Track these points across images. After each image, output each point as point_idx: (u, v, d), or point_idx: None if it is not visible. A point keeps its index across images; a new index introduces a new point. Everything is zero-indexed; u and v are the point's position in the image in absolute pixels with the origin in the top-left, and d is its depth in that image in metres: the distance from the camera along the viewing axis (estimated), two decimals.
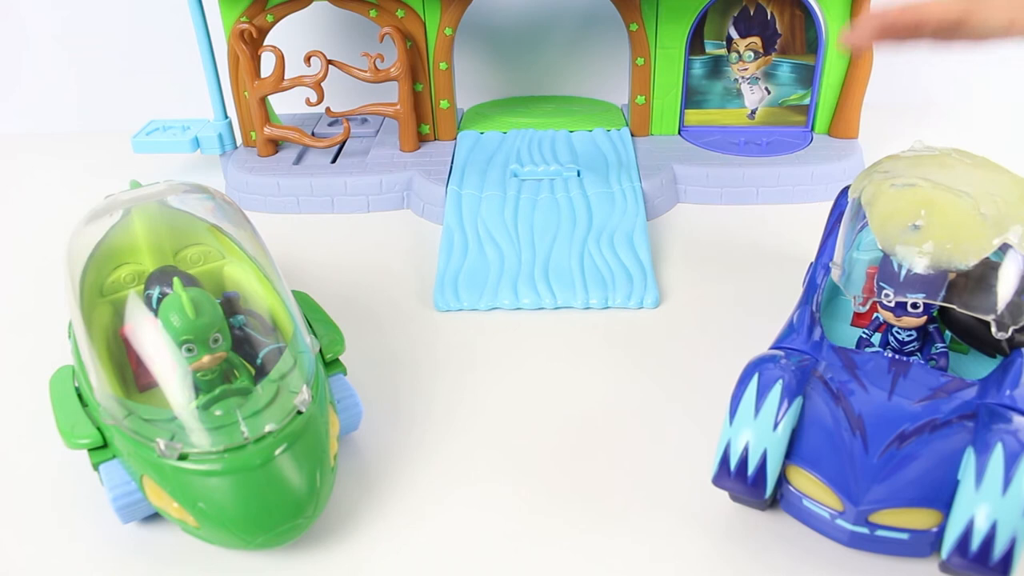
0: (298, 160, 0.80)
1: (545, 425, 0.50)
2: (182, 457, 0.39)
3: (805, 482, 0.39)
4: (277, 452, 0.40)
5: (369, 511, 0.44)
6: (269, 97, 0.79)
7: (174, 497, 0.40)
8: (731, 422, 0.40)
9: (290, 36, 0.81)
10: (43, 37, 0.99)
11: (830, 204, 0.60)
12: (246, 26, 0.74)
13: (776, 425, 0.39)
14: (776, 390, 0.40)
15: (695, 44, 0.79)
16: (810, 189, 0.75)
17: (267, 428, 0.40)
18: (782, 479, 0.40)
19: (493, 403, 0.52)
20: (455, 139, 0.82)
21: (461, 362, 0.56)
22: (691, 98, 0.81)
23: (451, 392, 0.53)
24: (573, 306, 0.61)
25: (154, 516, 0.43)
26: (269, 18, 0.76)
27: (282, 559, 0.42)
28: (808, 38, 0.77)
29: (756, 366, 0.41)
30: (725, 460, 0.40)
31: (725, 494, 0.43)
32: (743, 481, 0.40)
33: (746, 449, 0.39)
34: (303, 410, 0.42)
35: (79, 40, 0.99)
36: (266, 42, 0.77)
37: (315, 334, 0.47)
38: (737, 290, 0.62)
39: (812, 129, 0.81)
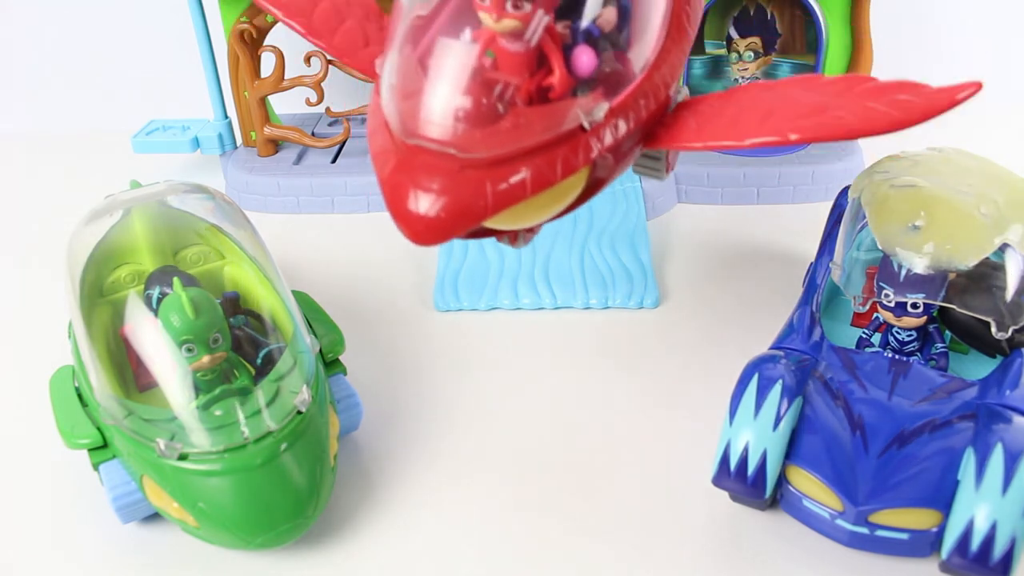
0: (298, 160, 0.80)
1: (545, 425, 0.50)
2: (182, 457, 0.39)
3: (805, 482, 0.39)
4: (277, 452, 0.40)
5: (369, 511, 0.44)
6: (269, 97, 0.79)
7: (174, 497, 0.40)
8: (731, 422, 0.40)
9: (290, 36, 0.81)
10: (43, 37, 0.99)
11: (830, 204, 0.60)
12: (246, 26, 0.74)
13: (776, 425, 0.39)
14: (776, 390, 0.40)
15: (695, 44, 0.78)
16: (810, 189, 0.75)
17: (268, 427, 0.40)
18: (782, 479, 0.40)
19: (493, 403, 0.52)
20: None
21: (461, 362, 0.56)
22: None
23: (451, 392, 0.53)
24: (573, 306, 0.61)
25: (154, 516, 0.43)
26: (269, 18, 0.76)
27: (282, 559, 0.42)
28: (808, 38, 0.77)
29: (756, 366, 0.41)
30: (725, 460, 0.40)
31: (725, 494, 0.43)
32: (743, 481, 0.40)
33: (746, 449, 0.39)
34: (303, 410, 0.42)
35: (79, 40, 0.99)
36: (266, 42, 0.77)
37: (315, 334, 0.47)
38: (737, 290, 0.62)
39: None
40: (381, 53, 0.39)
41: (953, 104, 0.34)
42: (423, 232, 0.33)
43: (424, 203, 0.32)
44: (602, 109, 0.35)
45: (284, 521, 0.40)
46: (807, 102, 0.35)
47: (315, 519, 0.41)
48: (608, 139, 0.35)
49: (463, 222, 0.33)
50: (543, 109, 0.34)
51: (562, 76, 0.34)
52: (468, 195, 0.32)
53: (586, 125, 0.34)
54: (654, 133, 0.38)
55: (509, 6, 0.33)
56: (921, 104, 0.34)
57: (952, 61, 0.99)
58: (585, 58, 0.35)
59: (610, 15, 0.36)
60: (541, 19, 0.33)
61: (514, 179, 0.33)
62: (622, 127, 0.36)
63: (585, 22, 0.35)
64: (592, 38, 0.35)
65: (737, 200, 0.75)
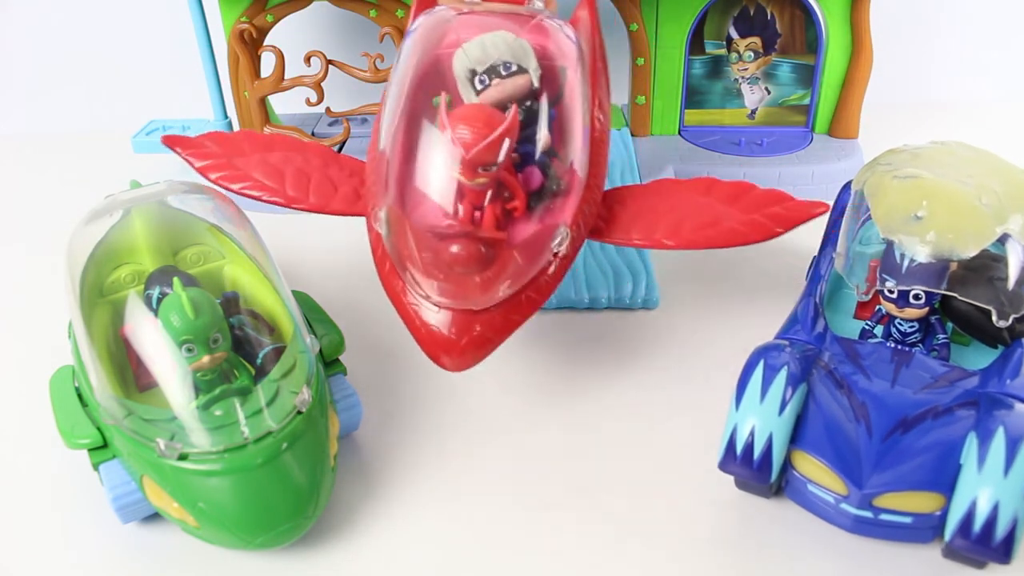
0: None
1: (546, 423, 0.50)
2: (182, 457, 0.39)
3: (810, 467, 0.40)
4: (277, 452, 0.40)
5: (369, 511, 0.44)
6: (269, 97, 0.79)
7: (174, 497, 0.40)
8: (737, 407, 0.40)
9: (290, 36, 0.81)
10: (43, 37, 0.99)
11: (830, 204, 0.60)
12: (246, 26, 0.74)
13: (781, 410, 0.39)
14: (782, 376, 0.40)
15: (695, 44, 0.79)
16: (810, 189, 0.75)
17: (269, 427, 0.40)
18: (787, 465, 0.41)
19: (493, 402, 0.52)
20: None
21: None
22: (691, 98, 0.81)
23: (451, 392, 0.53)
24: (574, 306, 0.61)
25: (154, 516, 0.43)
26: (269, 18, 0.76)
27: (282, 559, 0.42)
28: (808, 38, 0.77)
29: (762, 353, 0.42)
30: (731, 445, 0.40)
31: (729, 487, 0.44)
32: (749, 465, 0.40)
33: (752, 434, 0.40)
34: (303, 410, 0.42)
35: (79, 40, 0.99)
36: (266, 42, 0.77)
37: (315, 334, 0.47)
38: (737, 290, 0.62)
39: (812, 129, 0.81)
40: (352, 193, 0.50)
41: (810, 217, 0.49)
42: (459, 365, 0.44)
43: (458, 345, 0.43)
44: (565, 234, 0.45)
45: (284, 521, 0.40)
46: (708, 212, 0.48)
47: (315, 519, 0.41)
48: (571, 249, 0.46)
49: (487, 351, 0.44)
50: (525, 252, 0.44)
51: (521, 200, 0.44)
52: (488, 331, 0.43)
53: (556, 251, 0.45)
54: (596, 227, 0.49)
55: (479, 169, 0.42)
56: (788, 215, 0.48)
57: (952, 60, 0.99)
58: (535, 176, 0.45)
59: (545, 136, 0.46)
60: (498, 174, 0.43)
61: (518, 310, 0.44)
62: (577, 236, 0.47)
63: (530, 146, 0.45)
64: (535, 158, 0.45)
65: None
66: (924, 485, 0.37)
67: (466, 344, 0.43)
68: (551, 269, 0.45)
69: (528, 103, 0.46)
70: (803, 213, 0.48)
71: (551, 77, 0.48)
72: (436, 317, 0.43)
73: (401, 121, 0.47)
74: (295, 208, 0.50)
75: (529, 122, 0.45)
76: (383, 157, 0.46)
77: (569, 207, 0.46)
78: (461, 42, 0.48)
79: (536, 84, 0.47)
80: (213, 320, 0.42)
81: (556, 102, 0.48)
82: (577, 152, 0.46)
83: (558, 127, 0.47)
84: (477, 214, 0.44)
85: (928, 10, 0.96)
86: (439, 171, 0.44)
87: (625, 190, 0.51)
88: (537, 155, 0.45)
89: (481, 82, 0.47)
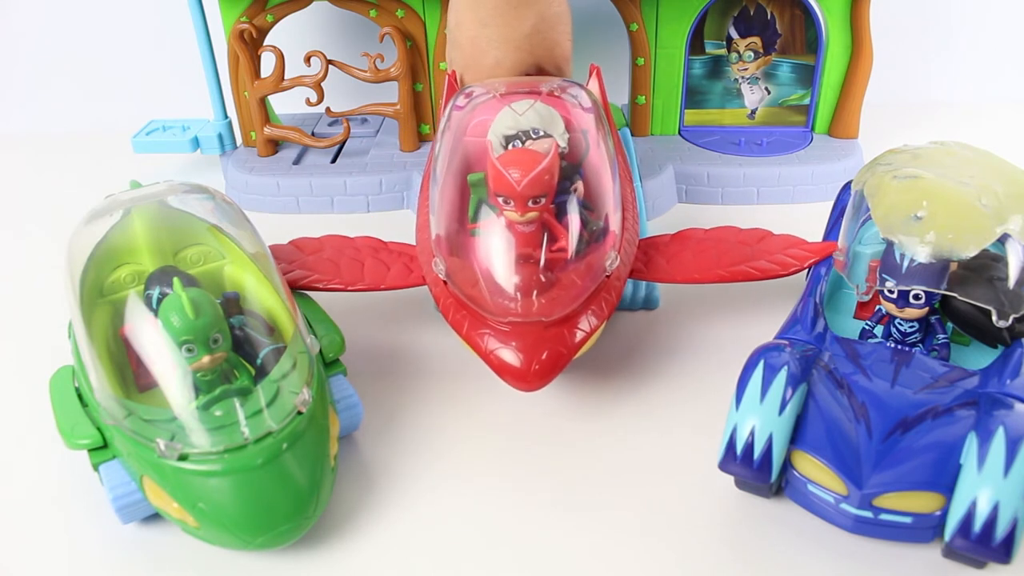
0: (298, 160, 0.80)
1: (546, 423, 0.50)
2: (182, 457, 0.39)
3: (810, 467, 0.40)
4: (278, 452, 0.40)
5: (369, 511, 0.44)
6: (269, 97, 0.79)
7: (174, 497, 0.40)
8: (737, 407, 0.40)
9: (290, 36, 0.81)
10: (43, 37, 0.99)
11: (830, 204, 0.61)
12: (246, 26, 0.74)
13: (782, 410, 0.40)
14: (782, 376, 0.40)
15: (695, 44, 0.79)
16: (810, 189, 0.75)
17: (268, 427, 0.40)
18: (787, 465, 0.41)
19: (494, 402, 0.52)
20: None
21: (461, 362, 0.55)
22: (691, 98, 0.81)
23: (451, 392, 0.53)
24: None
25: (154, 516, 0.43)
26: (269, 18, 0.76)
27: (282, 559, 0.42)
28: (808, 38, 0.77)
29: (762, 353, 0.42)
30: (731, 445, 0.40)
31: (729, 488, 0.44)
32: (749, 465, 0.40)
33: (752, 433, 0.40)
34: (303, 410, 0.42)
35: (79, 40, 0.99)
36: (266, 42, 0.77)
37: (315, 334, 0.47)
38: (737, 290, 0.62)
39: (812, 129, 0.81)
40: (404, 269, 0.56)
41: (820, 259, 0.54)
42: (534, 382, 0.46)
43: (530, 360, 0.45)
44: (615, 257, 0.50)
45: (284, 521, 0.40)
46: (738, 252, 0.55)
47: (315, 519, 0.41)
48: (621, 276, 0.51)
49: (559, 367, 0.46)
50: (581, 272, 0.48)
51: (565, 238, 0.49)
52: (558, 345, 0.46)
53: (608, 272, 0.49)
54: (636, 268, 0.54)
55: (529, 203, 0.47)
56: (803, 256, 0.55)
57: (951, 60, 0.99)
58: (573, 221, 0.49)
59: (580, 186, 0.52)
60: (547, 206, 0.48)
61: (582, 324, 0.47)
62: (623, 266, 0.51)
63: (565, 196, 0.50)
64: (572, 208, 0.50)
65: (737, 200, 0.76)
66: (924, 485, 0.37)
67: (537, 369, 0.45)
68: (610, 291, 0.49)
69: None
70: (815, 255, 0.54)
71: (576, 138, 0.54)
72: (506, 340, 0.46)
73: (447, 187, 0.52)
74: (352, 290, 0.54)
75: (562, 177, 0.50)
76: (439, 217, 0.52)
77: (610, 243, 0.50)
78: (494, 118, 0.54)
79: (563, 145, 0.53)
80: (213, 320, 0.42)
81: (583, 158, 0.54)
82: (609, 198, 0.52)
83: (588, 180, 0.52)
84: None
85: (928, 10, 0.96)
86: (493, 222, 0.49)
87: (657, 238, 0.58)
88: (573, 204, 0.50)
89: (514, 145, 0.52)
